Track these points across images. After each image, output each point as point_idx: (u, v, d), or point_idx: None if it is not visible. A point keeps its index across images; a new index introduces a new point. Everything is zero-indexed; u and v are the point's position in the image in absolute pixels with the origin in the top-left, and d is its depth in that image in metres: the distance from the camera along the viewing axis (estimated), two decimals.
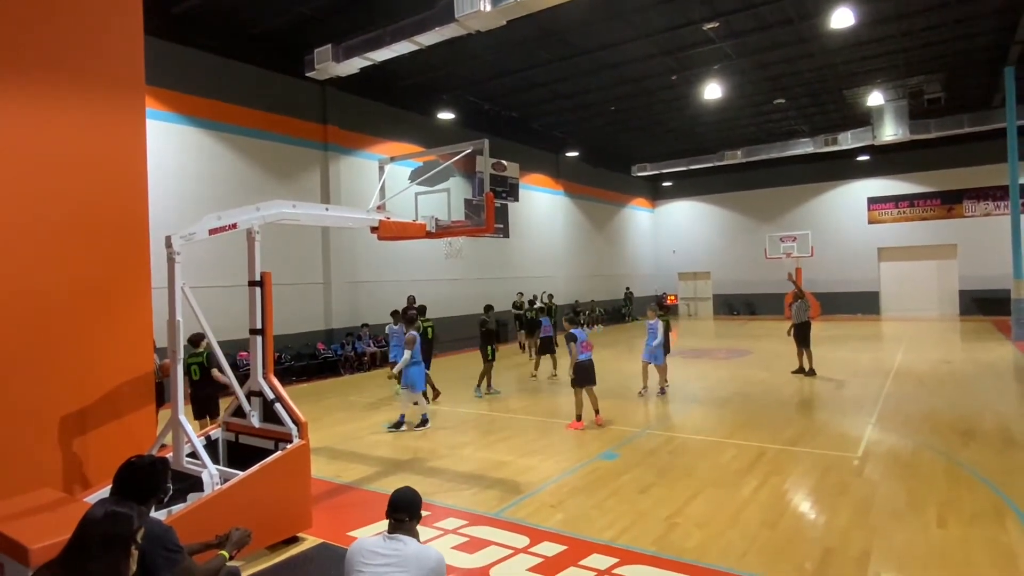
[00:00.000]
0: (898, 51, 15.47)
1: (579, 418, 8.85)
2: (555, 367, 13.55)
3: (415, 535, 2.88)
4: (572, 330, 8.87)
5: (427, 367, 10.24)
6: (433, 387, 10.95)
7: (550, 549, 4.85)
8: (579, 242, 26.28)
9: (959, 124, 19.75)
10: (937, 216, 26.10)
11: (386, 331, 12.34)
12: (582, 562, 4.62)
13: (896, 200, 26.90)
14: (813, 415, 9.51)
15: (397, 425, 9.11)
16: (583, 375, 8.78)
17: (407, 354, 8.83)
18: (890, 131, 19.57)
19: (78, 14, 5.11)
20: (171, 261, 4.70)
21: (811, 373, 12.38)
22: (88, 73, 5.17)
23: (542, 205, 23.81)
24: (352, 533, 5.26)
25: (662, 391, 10.86)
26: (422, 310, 11.63)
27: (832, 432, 8.36)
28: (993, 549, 4.68)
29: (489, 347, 11.39)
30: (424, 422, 9.20)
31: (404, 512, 2.90)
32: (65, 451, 4.89)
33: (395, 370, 9.11)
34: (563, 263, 24.89)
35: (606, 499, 5.97)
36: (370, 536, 2.92)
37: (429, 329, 11.22)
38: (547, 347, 13.49)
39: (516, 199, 21.40)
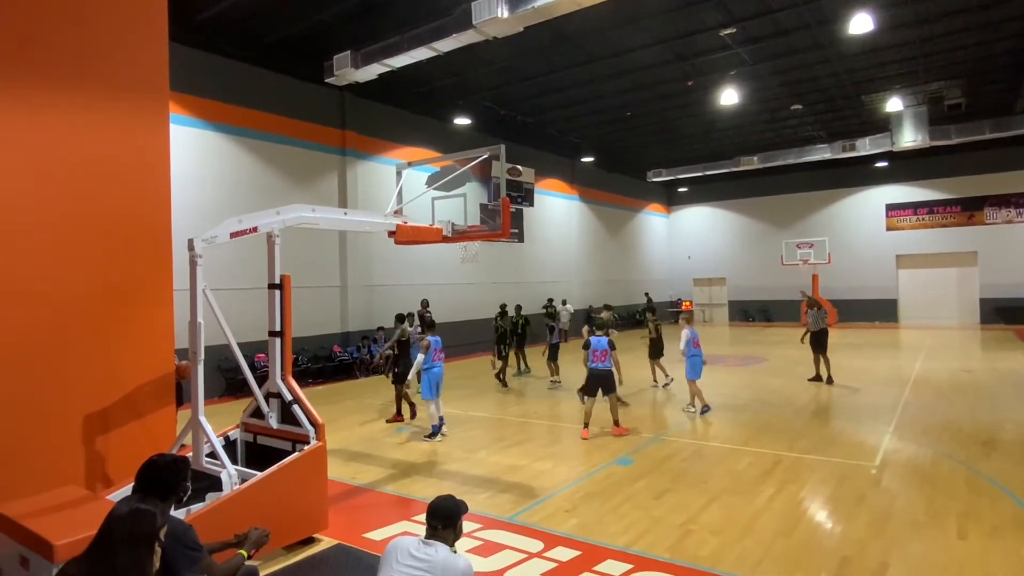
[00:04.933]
0: (917, 56, 15.31)
1: (585, 426, 8.63)
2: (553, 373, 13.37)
3: (449, 543, 2.92)
4: (590, 338, 8.80)
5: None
6: (410, 403, 10.03)
7: (564, 554, 4.85)
8: (594, 247, 26.24)
9: (980, 130, 19.46)
10: (957, 223, 25.75)
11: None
12: (596, 568, 4.62)
13: (915, 207, 26.58)
14: (830, 423, 9.42)
15: (431, 435, 8.77)
16: (590, 384, 8.66)
17: (420, 358, 8.66)
18: (909, 137, 19.33)
19: (105, 21, 5.22)
20: (193, 264, 4.78)
21: (829, 381, 12.25)
22: (114, 78, 5.27)
23: (557, 210, 23.82)
24: (367, 535, 5.31)
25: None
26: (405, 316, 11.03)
27: (849, 441, 8.28)
28: (1015, 561, 4.61)
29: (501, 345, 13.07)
30: (432, 433, 8.73)
31: (438, 520, 2.95)
32: (88, 450, 4.97)
33: (409, 376, 8.96)
34: (577, 268, 24.86)
35: (620, 505, 5.96)
36: (409, 537, 2.97)
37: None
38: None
39: (531, 204, 21.73)
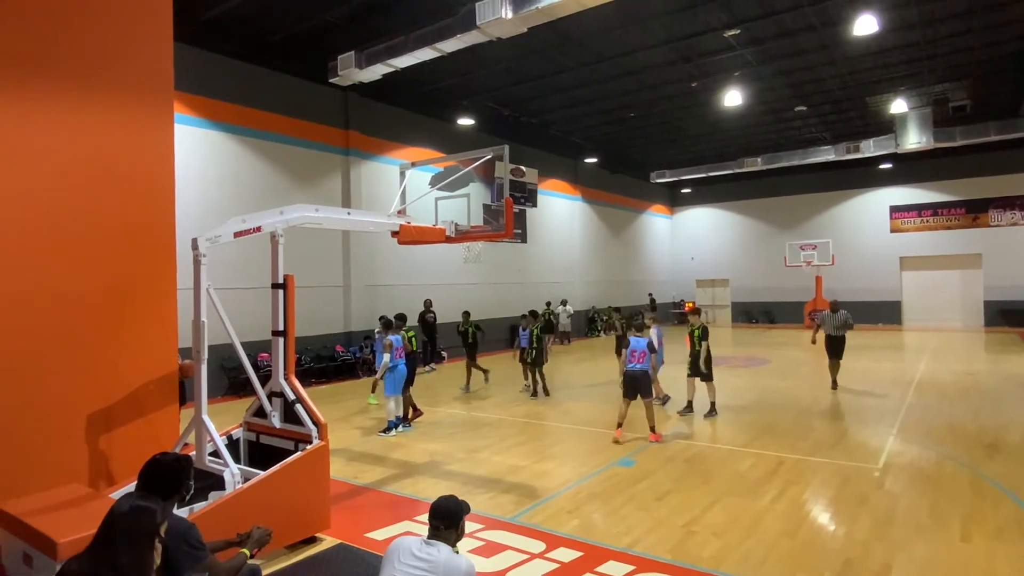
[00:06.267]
0: (922, 58, 15.26)
1: (619, 425, 8.47)
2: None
3: (451, 543, 2.93)
4: (629, 337, 8.63)
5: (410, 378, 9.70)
6: (413, 406, 10.00)
7: (566, 555, 4.85)
8: (597, 248, 26.23)
9: (985, 132, 19.40)
10: (962, 225, 25.65)
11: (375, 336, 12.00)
12: (598, 569, 4.61)
13: (919, 209, 26.50)
14: (833, 425, 9.39)
15: (387, 429, 9.09)
16: (627, 385, 8.50)
17: (386, 358, 9.02)
18: (914, 139, 19.29)
19: (110, 21, 5.23)
20: (197, 263, 4.80)
21: (833, 386, 11.99)
22: (119, 78, 5.29)
23: (560, 211, 23.82)
24: (369, 535, 5.31)
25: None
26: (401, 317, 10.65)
27: (852, 443, 8.26)
28: (1019, 564, 4.59)
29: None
30: (387, 428, 9.06)
31: (440, 520, 2.97)
32: (91, 448, 4.98)
33: (378, 376, 9.18)
34: (580, 269, 24.86)
35: (623, 506, 5.95)
36: (412, 537, 2.98)
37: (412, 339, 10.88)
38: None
39: (534, 204, 21.77)
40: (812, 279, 26.72)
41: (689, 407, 10.07)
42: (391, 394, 9.13)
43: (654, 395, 10.38)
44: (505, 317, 19.55)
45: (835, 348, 11.93)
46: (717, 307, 31.69)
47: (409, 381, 9.62)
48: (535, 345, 11.76)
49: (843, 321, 11.79)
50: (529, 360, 11.85)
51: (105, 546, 2.36)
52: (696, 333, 9.91)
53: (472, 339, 12.93)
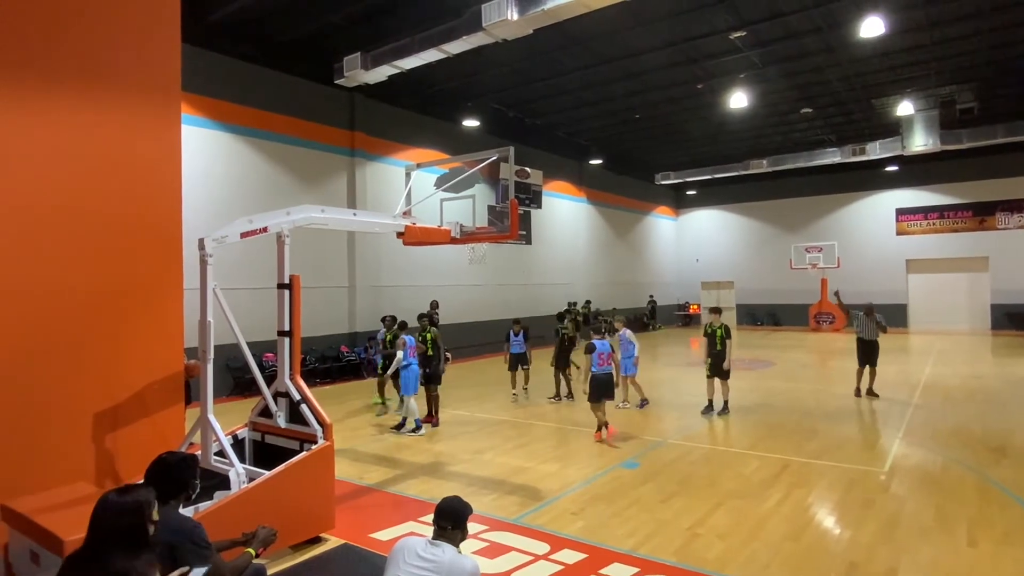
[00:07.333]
0: (929, 60, 15.21)
1: (605, 426, 8.46)
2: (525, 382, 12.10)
3: (456, 543, 2.94)
4: (593, 340, 8.48)
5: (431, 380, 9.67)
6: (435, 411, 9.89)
7: (570, 557, 4.85)
8: (601, 250, 26.20)
9: (992, 135, 19.29)
10: (968, 228, 25.53)
11: (377, 337, 11.73)
12: (602, 570, 4.61)
13: (926, 211, 26.38)
14: (838, 428, 9.34)
15: (399, 427, 9.27)
16: (596, 389, 8.33)
17: (399, 355, 9.11)
18: (920, 141, 19.20)
19: (118, 22, 5.26)
20: (203, 263, 4.82)
21: (867, 393, 11.43)
22: (127, 79, 5.31)
23: (565, 212, 23.81)
24: (374, 535, 5.32)
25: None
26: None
27: (858, 446, 8.23)
28: None
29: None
30: (415, 427, 9.10)
31: (447, 520, 2.98)
32: (98, 447, 5.00)
33: (388, 373, 9.34)
34: (585, 270, 24.83)
35: (627, 508, 5.95)
36: (416, 537, 2.99)
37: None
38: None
39: (539, 206, 21.77)
40: (817, 282, 26.62)
41: (710, 407, 10.15)
42: (410, 394, 9.16)
43: (640, 397, 10.72)
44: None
45: (871, 353, 11.39)
46: (722, 309, 31.59)
47: (436, 380, 9.72)
48: (561, 347, 11.57)
49: (879, 323, 11.43)
50: (553, 363, 11.58)
51: (94, 548, 2.38)
52: (719, 333, 9.92)
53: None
